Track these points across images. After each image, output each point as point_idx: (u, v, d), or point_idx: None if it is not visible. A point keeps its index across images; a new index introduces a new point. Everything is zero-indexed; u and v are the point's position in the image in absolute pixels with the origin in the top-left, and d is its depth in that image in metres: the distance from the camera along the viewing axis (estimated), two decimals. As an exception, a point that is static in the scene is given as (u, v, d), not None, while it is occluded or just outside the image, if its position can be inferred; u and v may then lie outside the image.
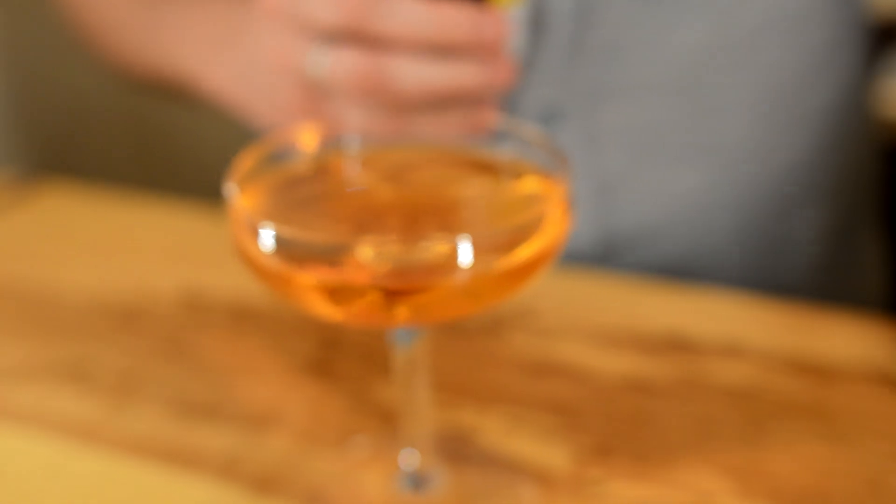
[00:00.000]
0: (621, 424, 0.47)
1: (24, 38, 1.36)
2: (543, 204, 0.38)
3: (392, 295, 0.34)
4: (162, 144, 1.54)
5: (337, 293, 0.34)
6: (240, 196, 0.37)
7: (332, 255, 0.35)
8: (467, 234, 0.34)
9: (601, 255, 0.62)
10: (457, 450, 0.46)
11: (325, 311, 0.36)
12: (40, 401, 0.50)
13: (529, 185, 0.40)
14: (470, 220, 0.38)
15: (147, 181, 1.57)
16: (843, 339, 0.52)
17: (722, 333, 0.53)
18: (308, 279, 0.34)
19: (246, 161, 0.39)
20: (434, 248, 0.34)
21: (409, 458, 0.44)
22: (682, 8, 0.58)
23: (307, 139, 0.41)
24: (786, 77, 0.62)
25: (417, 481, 0.44)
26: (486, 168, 0.41)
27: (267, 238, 0.35)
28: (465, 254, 0.34)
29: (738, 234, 0.64)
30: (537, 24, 0.57)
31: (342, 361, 0.52)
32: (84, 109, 1.45)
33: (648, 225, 0.62)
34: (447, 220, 0.38)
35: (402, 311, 0.35)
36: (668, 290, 0.57)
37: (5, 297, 0.58)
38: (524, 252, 0.35)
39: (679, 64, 0.59)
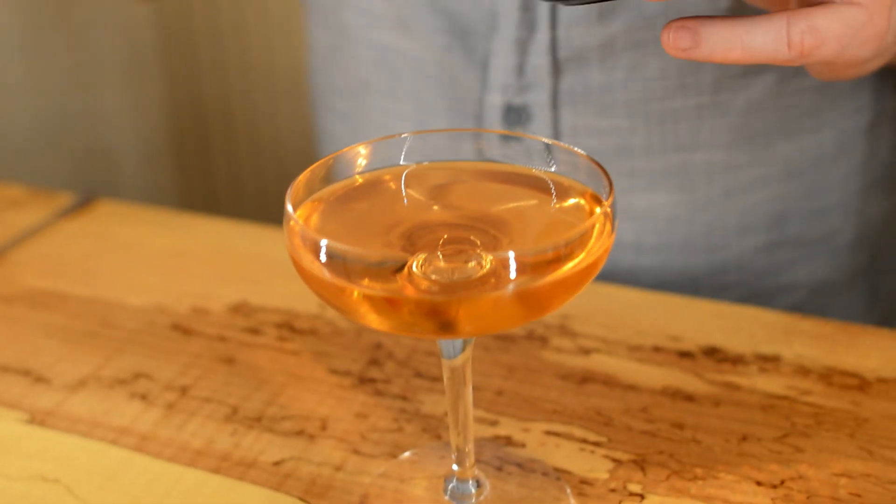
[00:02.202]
0: (659, 437, 0.49)
1: (64, 62, 1.40)
2: (588, 220, 0.39)
3: (441, 308, 0.36)
4: (202, 168, 1.57)
5: (388, 306, 0.36)
6: (296, 212, 0.39)
7: (383, 270, 0.36)
8: (514, 250, 0.35)
9: None
10: (499, 460, 0.48)
11: (376, 322, 0.37)
12: (101, 411, 0.52)
13: (574, 201, 0.41)
14: (517, 235, 0.40)
15: (188, 204, 1.61)
16: (878, 351, 0.53)
17: (758, 347, 0.54)
18: (361, 292, 0.36)
19: (302, 178, 0.41)
20: (481, 263, 0.36)
21: (454, 469, 0.45)
22: (652, 55, 0.59)
23: (360, 155, 0.43)
24: (770, 119, 0.63)
25: (461, 491, 0.46)
26: (532, 183, 0.43)
27: (323, 253, 0.37)
28: (512, 269, 0.35)
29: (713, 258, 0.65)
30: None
31: (389, 374, 0.54)
32: (121, 133, 1.49)
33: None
34: (495, 235, 0.40)
35: (449, 324, 0.36)
36: (703, 304, 0.58)
37: (64, 313, 0.60)
38: (570, 267, 0.37)
39: (650, 94, 0.61)
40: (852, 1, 0.40)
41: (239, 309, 0.60)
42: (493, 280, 0.36)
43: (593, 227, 0.38)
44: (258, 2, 1.45)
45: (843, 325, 0.56)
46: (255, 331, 0.58)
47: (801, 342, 0.55)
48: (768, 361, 0.53)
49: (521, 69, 0.60)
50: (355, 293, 0.36)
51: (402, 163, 0.44)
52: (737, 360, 0.53)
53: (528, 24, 0.59)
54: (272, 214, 1.61)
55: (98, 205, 0.72)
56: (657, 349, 0.55)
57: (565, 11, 0.58)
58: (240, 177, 1.58)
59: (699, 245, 0.65)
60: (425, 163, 0.44)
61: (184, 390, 0.53)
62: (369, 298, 0.36)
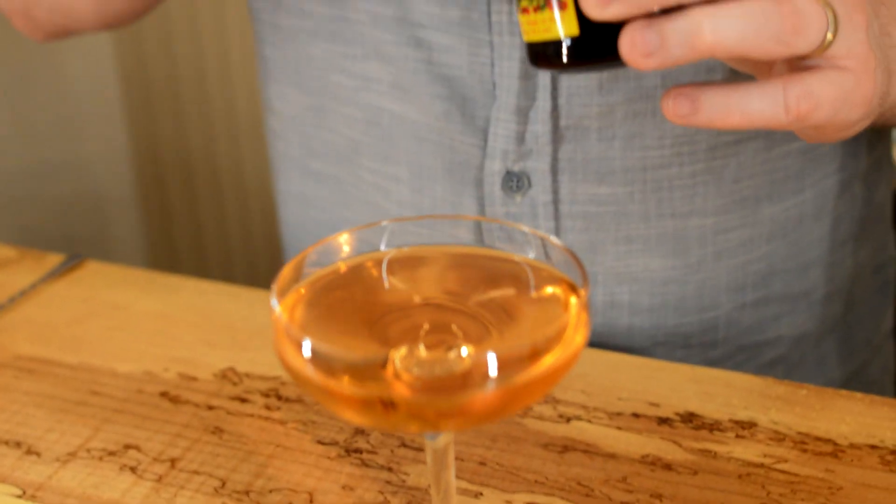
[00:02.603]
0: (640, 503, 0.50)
1: (49, 113, 1.41)
2: (565, 312, 0.40)
3: (420, 406, 0.37)
4: (188, 213, 1.58)
5: (368, 405, 0.37)
6: (280, 307, 0.40)
7: (364, 367, 0.38)
8: (493, 347, 0.36)
9: None
10: (483, 532, 0.49)
11: (357, 420, 0.39)
12: (91, 485, 0.53)
13: (549, 289, 0.43)
14: (496, 327, 0.41)
15: (172, 266, 1.62)
16: (851, 416, 0.55)
17: (734, 412, 0.55)
18: (341, 390, 0.37)
19: (286, 271, 0.42)
20: (460, 363, 0.37)
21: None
22: (650, 125, 0.61)
23: (344, 243, 0.44)
24: (759, 184, 0.65)
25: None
26: (509, 271, 0.44)
27: (304, 350, 0.38)
28: (492, 368, 0.37)
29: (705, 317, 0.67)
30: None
31: (375, 444, 0.55)
32: (108, 192, 1.50)
33: (612, 302, 0.66)
34: (476, 323, 0.41)
35: (429, 424, 0.38)
36: (680, 368, 0.59)
37: (53, 381, 0.61)
38: (548, 362, 0.38)
39: (648, 163, 0.62)
40: (841, 66, 0.42)
41: (226, 376, 0.61)
42: (472, 379, 0.37)
43: (567, 322, 0.39)
44: (248, 60, 1.46)
45: (816, 389, 0.57)
46: (242, 399, 0.59)
47: (776, 407, 0.56)
48: (744, 428, 0.55)
49: (521, 137, 0.61)
50: (337, 392, 0.37)
51: (384, 248, 0.45)
52: (714, 427, 0.55)
53: (528, 92, 0.60)
54: (259, 257, 1.62)
55: (86, 265, 0.73)
56: (636, 416, 0.56)
57: (566, 81, 0.59)
58: (224, 221, 1.59)
59: (691, 305, 0.66)
60: (407, 247, 0.45)
61: (173, 462, 0.54)
62: (350, 399, 0.37)
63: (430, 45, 0.61)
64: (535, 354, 0.38)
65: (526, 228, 0.43)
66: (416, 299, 0.43)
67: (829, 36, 0.40)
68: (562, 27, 0.41)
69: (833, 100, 0.41)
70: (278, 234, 0.82)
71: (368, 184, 0.69)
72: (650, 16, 0.38)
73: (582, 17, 0.40)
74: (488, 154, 0.62)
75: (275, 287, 0.40)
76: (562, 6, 0.40)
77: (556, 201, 0.63)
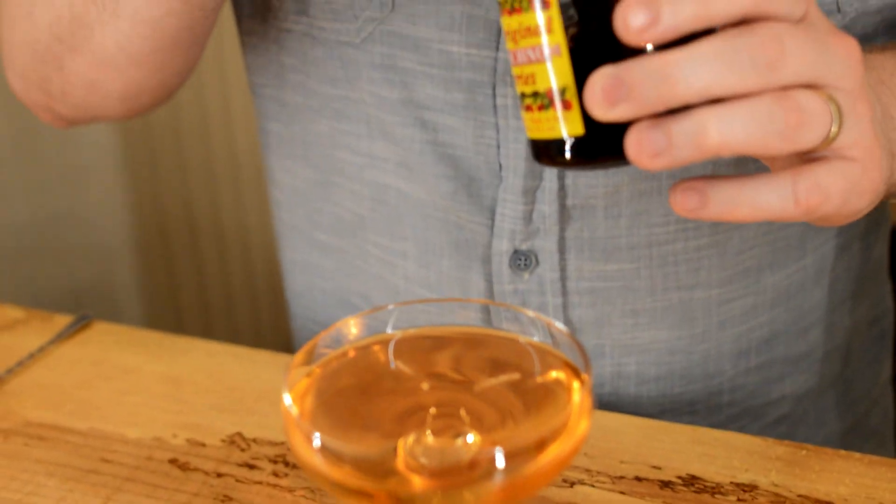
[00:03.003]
0: (644, 574, 0.51)
1: (55, 165, 1.42)
2: (570, 398, 0.41)
3: (428, 498, 0.38)
4: (192, 264, 1.59)
5: (376, 498, 0.38)
6: (290, 397, 0.41)
7: (372, 462, 0.39)
8: (500, 440, 0.37)
9: None
10: None
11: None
12: (101, 556, 0.54)
13: (554, 373, 0.44)
14: (502, 412, 0.42)
15: (176, 315, 1.62)
16: (850, 478, 0.56)
17: (735, 474, 0.56)
18: (350, 483, 0.38)
19: (296, 361, 0.43)
20: (467, 451, 0.38)
21: None
22: (656, 203, 0.62)
23: (352, 326, 0.45)
24: (761, 254, 0.66)
25: None
26: (515, 353, 0.45)
27: (314, 442, 0.39)
28: (499, 460, 0.38)
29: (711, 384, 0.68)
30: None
31: (380, 511, 0.56)
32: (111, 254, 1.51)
33: (619, 373, 0.66)
34: (481, 411, 0.42)
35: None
36: (681, 429, 0.60)
37: (63, 448, 0.62)
38: (554, 451, 0.39)
39: (654, 239, 0.63)
40: (847, 156, 0.42)
41: (234, 441, 0.62)
42: (479, 471, 0.38)
43: (572, 411, 0.40)
44: (252, 115, 1.47)
45: (816, 449, 0.58)
46: (250, 466, 0.60)
47: (776, 468, 0.57)
48: (745, 491, 0.56)
49: (528, 216, 0.62)
50: (347, 485, 0.39)
51: (392, 329, 0.46)
52: (715, 490, 0.56)
53: (534, 173, 0.61)
54: (263, 311, 1.62)
55: (94, 326, 0.74)
56: (639, 479, 0.57)
57: None
58: (228, 275, 1.60)
59: (697, 373, 0.67)
60: (415, 329, 0.46)
61: (183, 533, 0.55)
62: (360, 492, 0.38)
63: (435, 127, 0.62)
64: (542, 444, 0.39)
65: (531, 313, 0.44)
66: (424, 383, 0.44)
67: (834, 129, 0.40)
68: (566, 127, 0.40)
69: (842, 191, 0.41)
70: (283, 292, 0.83)
71: (374, 257, 0.69)
72: (655, 115, 0.38)
73: (587, 117, 0.39)
74: (496, 233, 0.63)
75: (285, 381, 0.41)
76: (566, 106, 0.40)
77: (563, 278, 0.63)
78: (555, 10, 0.39)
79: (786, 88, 0.38)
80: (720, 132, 0.38)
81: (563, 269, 0.63)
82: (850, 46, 0.41)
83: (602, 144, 0.40)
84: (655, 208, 0.61)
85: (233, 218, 1.57)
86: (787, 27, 0.38)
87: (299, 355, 0.43)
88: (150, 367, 0.69)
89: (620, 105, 0.37)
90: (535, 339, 0.45)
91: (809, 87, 0.39)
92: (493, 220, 0.63)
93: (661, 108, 0.38)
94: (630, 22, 0.37)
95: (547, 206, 0.61)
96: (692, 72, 0.37)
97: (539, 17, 0.39)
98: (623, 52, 0.38)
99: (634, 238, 0.62)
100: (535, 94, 0.41)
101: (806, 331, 0.70)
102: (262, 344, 1.63)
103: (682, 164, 0.38)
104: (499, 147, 0.61)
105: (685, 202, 0.40)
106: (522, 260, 0.63)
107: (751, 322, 0.67)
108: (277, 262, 0.84)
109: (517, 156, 0.61)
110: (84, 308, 1.47)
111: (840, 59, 0.40)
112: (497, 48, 0.59)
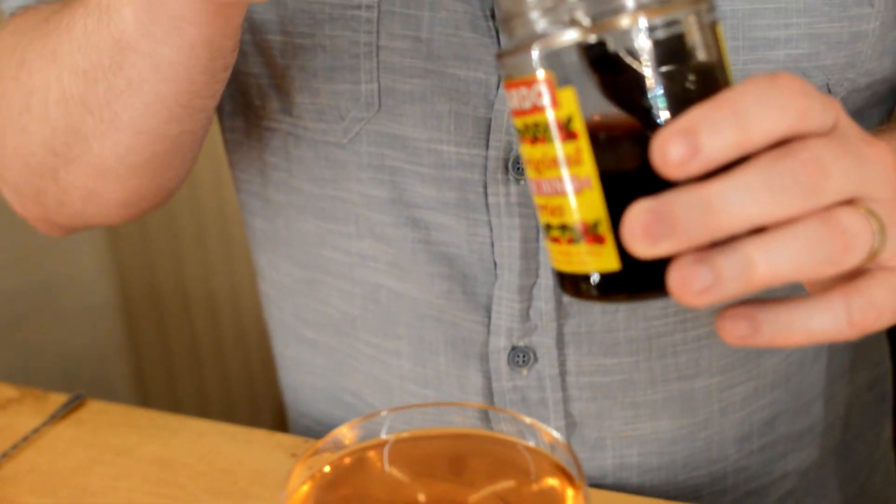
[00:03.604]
0: None
1: (44, 239, 1.42)
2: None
3: None
4: (183, 328, 1.59)
5: None
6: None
7: None
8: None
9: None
10: None
11: None
12: None
13: (550, 480, 0.44)
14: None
15: (171, 366, 1.61)
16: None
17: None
18: None
19: (295, 471, 0.43)
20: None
21: None
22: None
23: (347, 434, 0.46)
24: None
25: None
26: (512, 458, 0.45)
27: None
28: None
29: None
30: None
31: None
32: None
33: (622, 464, 0.66)
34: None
35: None
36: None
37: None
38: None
39: (652, 332, 0.62)
40: (890, 266, 0.40)
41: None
42: None
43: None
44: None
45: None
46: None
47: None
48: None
49: (525, 313, 0.61)
50: None
51: (388, 432, 0.47)
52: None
53: (530, 271, 0.60)
54: (258, 383, 1.61)
55: (87, 405, 0.74)
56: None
57: None
58: (220, 333, 1.60)
59: (700, 459, 0.66)
60: (410, 432, 0.47)
61: None
62: None
63: (427, 225, 0.61)
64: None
65: (528, 420, 0.45)
66: (421, 493, 0.44)
67: (878, 244, 0.38)
68: (600, 262, 0.37)
69: (894, 305, 0.39)
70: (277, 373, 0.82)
71: (367, 356, 0.68)
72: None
73: (623, 252, 0.36)
74: (492, 331, 0.62)
75: (284, 496, 0.41)
76: (599, 240, 0.37)
77: (562, 373, 0.62)
78: (584, 141, 0.36)
79: (828, 208, 0.36)
80: (769, 264, 0.35)
81: (562, 365, 0.62)
82: (883, 153, 0.39)
83: (641, 280, 0.37)
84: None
85: (225, 283, 1.57)
86: (824, 145, 0.36)
87: (297, 466, 0.43)
88: (143, 449, 0.69)
89: (663, 242, 0.34)
90: (532, 443, 0.45)
91: (849, 201, 0.37)
92: (489, 317, 0.62)
93: (705, 241, 0.35)
94: (669, 155, 0.34)
95: (543, 302, 0.61)
96: (737, 202, 0.34)
97: (567, 147, 0.36)
98: (660, 182, 0.35)
99: (633, 331, 0.62)
100: (564, 227, 0.37)
101: (807, 406, 0.69)
102: (256, 407, 1.63)
103: (728, 299, 0.36)
104: (493, 245, 0.60)
105: (734, 330, 0.38)
106: (521, 356, 0.62)
107: (752, 406, 0.67)
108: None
109: (511, 254, 0.60)
110: (75, 374, 1.47)
111: (875, 169, 0.38)
112: (487, 146, 0.58)
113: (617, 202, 0.36)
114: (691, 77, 0.36)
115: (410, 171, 0.61)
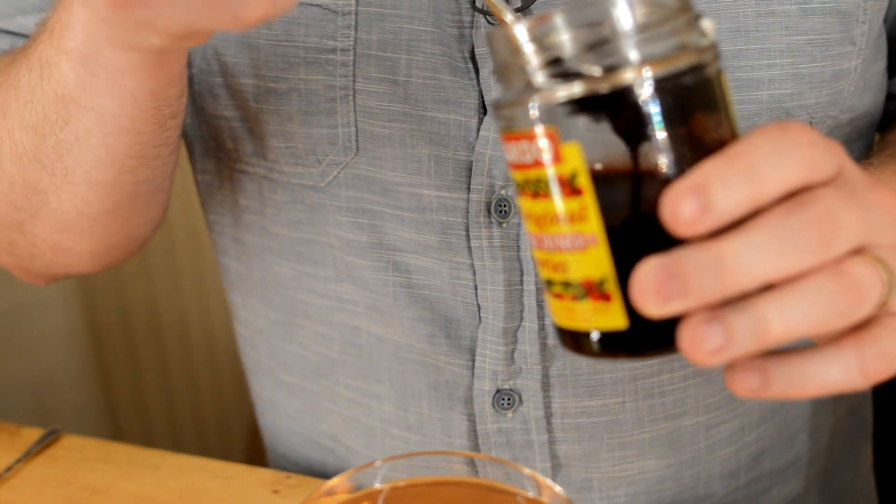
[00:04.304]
0: None
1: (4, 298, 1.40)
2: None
3: None
4: (160, 385, 1.57)
5: None
6: None
7: None
8: None
9: None
10: None
11: None
12: None
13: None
14: None
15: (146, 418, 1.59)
16: None
17: None
18: None
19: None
20: None
21: None
22: None
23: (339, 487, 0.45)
24: None
25: None
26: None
27: None
28: None
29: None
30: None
31: None
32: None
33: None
34: None
35: None
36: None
37: None
38: None
39: (637, 373, 0.62)
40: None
41: None
42: None
43: None
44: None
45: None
46: None
47: None
48: None
49: (510, 356, 0.60)
50: None
51: (378, 484, 0.46)
52: None
53: (514, 314, 0.59)
54: (231, 415, 1.59)
55: (62, 440, 0.73)
56: None
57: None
58: (191, 359, 1.58)
59: (688, 497, 0.66)
60: (404, 480, 0.46)
61: None
62: None
63: (408, 269, 0.60)
64: None
65: (516, 467, 0.44)
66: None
67: (886, 292, 0.37)
68: (606, 320, 0.35)
69: None
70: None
71: (346, 399, 0.67)
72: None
73: (631, 309, 0.35)
74: (477, 374, 0.61)
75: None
76: (605, 297, 0.35)
77: (548, 415, 0.62)
78: (589, 197, 0.35)
79: (838, 260, 0.35)
80: (782, 321, 0.34)
81: (547, 407, 0.61)
82: (885, 197, 0.38)
83: (648, 338, 0.35)
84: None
85: (196, 304, 1.55)
86: (833, 195, 0.35)
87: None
88: (120, 487, 0.67)
89: (675, 301, 0.33)
90: (519, 487, 0.45)
91: (857, 250, 0.36)
92: (473, 360, 0.61)
93: (717, 299, 0.34)
94: (680, 213, 0.33)
95: (528, 345, 0.60)
96: (749, 259, 0.33)
97: (572, 203, 0.35)
98: (668, 238, 0.34)
99: (618, 373, 0.61)
100: (567, 284, 0.36)
101: (792, 439, 0.69)
102: (228, 431, 1.60)
103: (740, 358, 0.35)
104: (476, 288, 0.59)
105: (745, 383, 0.36)
106: (505, 399, 0.61)
107: (739, 442, 0.66)
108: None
109: (496, 297, 0.59)
110: (43, 401, 1.44)
111: (880, 215, 0.37)
112: (468, 190, 0.58)
113: (624, 259, 0.35)
114: (699, 129, 0.35)
115: (390, 215, 0.60)
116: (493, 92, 0.56)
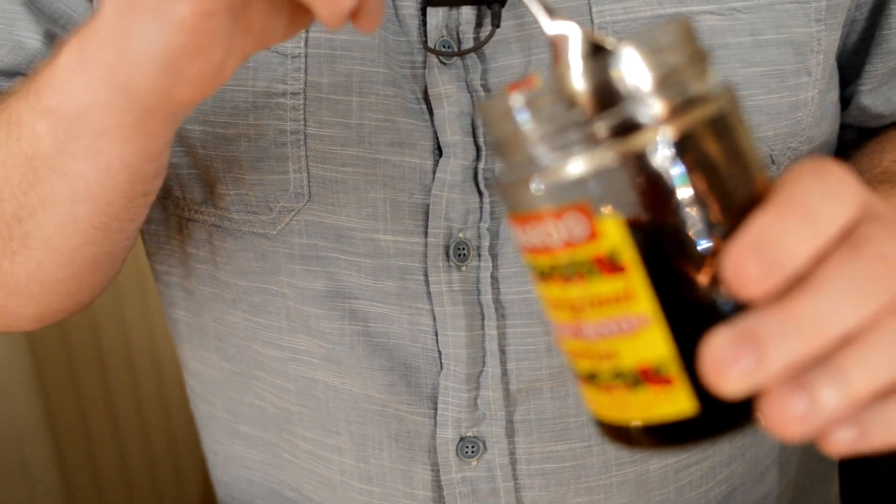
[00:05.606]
0: None
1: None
2: None
3: None
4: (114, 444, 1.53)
5: None
6: None
7: None
8: None
9: None
10: None
11: None
12: None
13: None
14: None
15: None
16: None
17: None
18: None
19: None
20: None
21: None
22: None
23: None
24: None
25: None
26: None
27: None
28: None
29: None
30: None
31: None
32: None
33: None
34: None
35: None
36: None
37: None
38: None
39: None
40: None
41: None
42: None
43: None
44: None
45: None
46: None
47: None
48: None
49: (473, 403, 0.58)
50: None
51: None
52: None
53: (476, 360, 0.58)
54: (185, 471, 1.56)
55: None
56: None
57: (514, 345, 0.57)
58: (139, 391, 1.55)
59: None
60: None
61: None
62: None
63: (366, 317, 0.58)
64: None
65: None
66: None
67: None
68: (671, 407, 0.31)
69: None
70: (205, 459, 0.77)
71: (306, 452, 0.64)
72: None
73: (700, 390, 0.30)
74: (439, 422, 0.59)
75: None
76: (665, 382, 0.31)
77: (513, 462, 0.60)
78: (635, 274, 0.30)
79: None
80: (867, 375, 0.31)
81: (512, 454, 0.60)
82: None
83: (721, 418, 0.31)
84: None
85: (143, 339, 1.52)
86: (878, 234, 0.32)
87: None
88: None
89: (755, 373, 0.29)
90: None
91: None
92: (435, 409, 0.59)
93: (799, 365, 0.30)
94: (745, 274, 0.30)
95: (491, 391, 0.58)
96: (826, 314, 0.30)
97: (615, 284, 0.31)
98: (730, 305, 0.30)
99: (584, 416, 0.59)
100: (618, 374, 0.32)
101: (763, 476, 0.68)
102: (181, 473, 1.57)
103: (827, 425, 0.31)
104: (437, 334, 0.57)
105: (840, 441, 0.32)
106: (469, 447, 0.59)
107: (709, 482, 0.65)
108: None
109: (457, 343, 0.57)
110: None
111: None
112: (426, 234, 0.56)
113: (684, 336, 0.30)
114: (739, 176, 0.31)
115: (346, 262, 0.58)
116: (447, 133, 0.55)
